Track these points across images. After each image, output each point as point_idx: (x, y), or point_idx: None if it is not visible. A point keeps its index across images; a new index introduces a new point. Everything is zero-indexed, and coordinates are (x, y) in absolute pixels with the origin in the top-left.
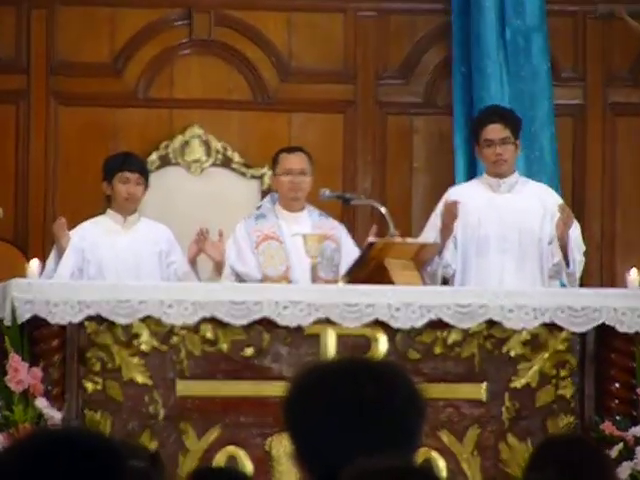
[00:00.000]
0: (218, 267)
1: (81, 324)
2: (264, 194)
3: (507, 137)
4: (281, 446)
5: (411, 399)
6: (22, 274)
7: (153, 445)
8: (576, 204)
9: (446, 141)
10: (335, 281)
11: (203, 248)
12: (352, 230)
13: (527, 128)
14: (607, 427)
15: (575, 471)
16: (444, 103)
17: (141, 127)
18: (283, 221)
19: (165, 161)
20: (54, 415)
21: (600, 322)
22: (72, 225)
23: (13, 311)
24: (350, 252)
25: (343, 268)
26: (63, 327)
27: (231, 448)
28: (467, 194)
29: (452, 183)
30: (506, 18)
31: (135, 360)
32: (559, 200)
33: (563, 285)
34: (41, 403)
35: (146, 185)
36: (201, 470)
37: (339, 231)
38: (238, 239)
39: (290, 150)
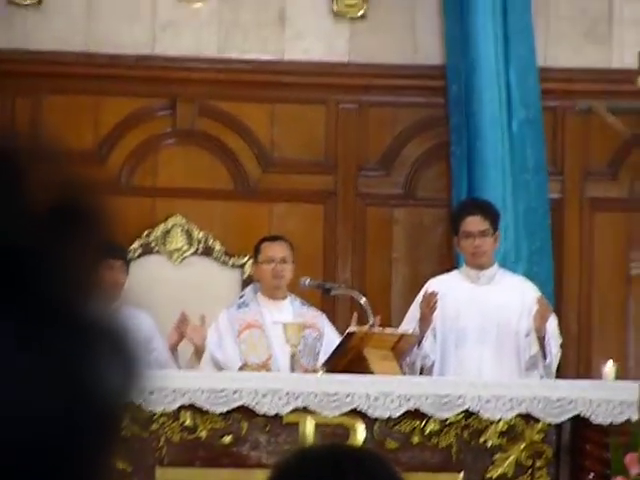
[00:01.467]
0: (198, 352)
1: None
2: (245, 283)
3: (486, 229)
4: None
5: None
6: None
7: None
8: (554, 296)
9: (426, 232)
10: (315, 370)
11: (184, 332)
12: (332, 319)
13: (530, 219)
14: None
15: None
16: (424, 195)
17: (124, 215)
18: (265, 309)
19: (147, 249)
20: None
21: (575, 413)
22: None
23: None
24: (331, 341)
25: (323, 357)
26: None
27: None
28: (447, 285)
29: (432, 274)
30: (512, 109)
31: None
32: (537, 293)
33: (541, 376)
34: None
35: (128, 272)
36: None
37: (321, 320)
38: (220, 327)
39: (272, 239)
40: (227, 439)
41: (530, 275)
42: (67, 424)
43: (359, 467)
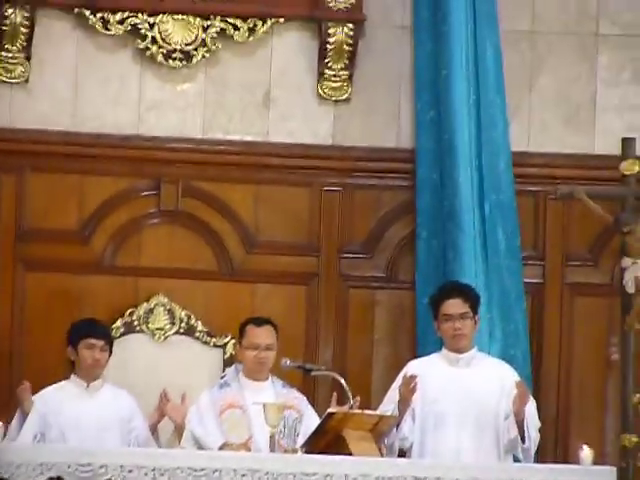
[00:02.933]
0: (178, 430)
1: None
2: (226, 363)
3: (466, 312)
4: None
5: None
6: None
7: None
8: (533, 379)
9: (407, 314)
10: (295, 450)
11: (165, 410)
12: (313, 398)
13: (503, 302)
14: None
15: None
16: (406, 278)
17: (107, 294)
18: (247, 390)
19: (129, 328)
20: None
21: None
22: (36, 389)
23: None
24: (311, 423)
25: (303, 438)
26: None
27: None
28: (426, 368)
29: (412, 356)
30: (485, 192)
31: None
32: (516, 377)
33: (518, 460)
34: None
35: (110, 351)
36: None
37: (301, 401)
38: (201, 407)
39: (258, 323)
40: None
41: (506, 357)
42: None
43: None
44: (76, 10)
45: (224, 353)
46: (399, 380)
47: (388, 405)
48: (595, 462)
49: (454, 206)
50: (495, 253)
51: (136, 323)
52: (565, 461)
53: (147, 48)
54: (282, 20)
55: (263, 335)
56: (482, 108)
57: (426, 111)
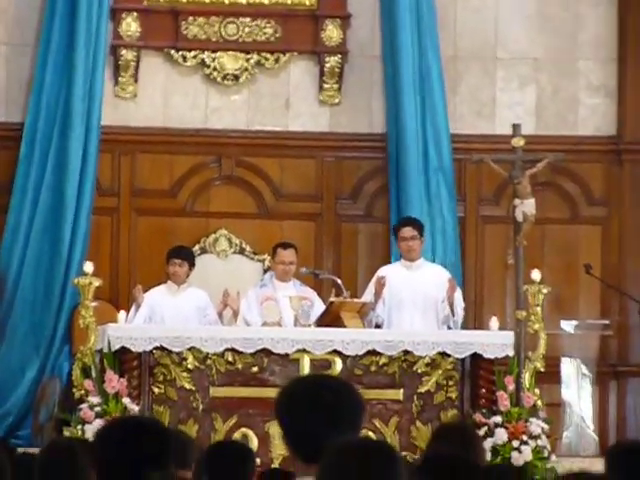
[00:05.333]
0: (235, 315)
1: (151, 351)
2: (265, 272)
3: (415, 235)
4: (276, 429)
5: (355, 401)
6: (114, 320)
7: (195, 428)
8: (460, 277)
9: (379, 238)
10: (309, 325)
11: (226, 302)
12: (319, 293)
13: (443, 230)
14: (477, 417)
15: (460, 442)
16: (378, 215)
17: (189, 229)
18: (277, 288)
19: (203, 250)
20: (134, 408)
21: (474, 351)
22: (145, 289)
23: (109, 343)
24: (319, 308)
25: (314, 317)
26: (140, 353)
27: (244, 429)
28: (391, 271)
29: (381, 264)
30: (429, 161)
31: (184, 374)
32: (448, 275)
33: (450, 328)
34: (126, 401)
35: (191, 266)
36: (218, 443)
37: (313, 295)
38: (249, 299)
39: (284, 247)
40: (254, 369)
41: (447, 264)
42: None
43: (333, 389)
44: (165, 50)
45: (263, 265)
46: (374, 279)
47: (368, 295)
48: (500, 329)
49: (407, 170)
50: (437, 199)
51: (207, 247)
52: (481, 328)
53: (210, 73)
54: (296, 53)
55: (287, 255)
56: (427, 105)
57: (390, 106)
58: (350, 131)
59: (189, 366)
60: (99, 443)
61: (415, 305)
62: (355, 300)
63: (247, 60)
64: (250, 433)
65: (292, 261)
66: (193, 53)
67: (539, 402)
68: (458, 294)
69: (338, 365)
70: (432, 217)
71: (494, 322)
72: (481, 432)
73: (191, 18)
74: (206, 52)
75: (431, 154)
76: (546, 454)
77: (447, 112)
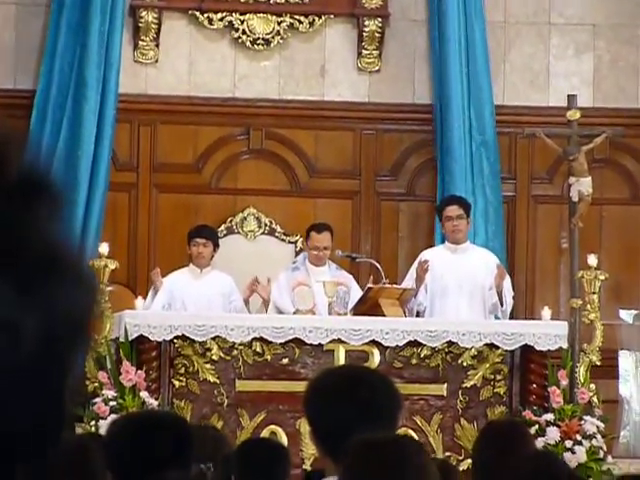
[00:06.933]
0: (265, 303)
1: (171, 341)
2: (297, 254)
3: (461, 214)
4: (307, 426)
5: (391, 395)
6: (132, 307)
7: (220, 424)
8: (508, 262)
9: (422, 219)
10: (345, 314)
11: (256, 290)
12: (357, 278)
13: (487, 210)
14: (527, 414)
15: (508, 442)
16: (421, 193)
17: (214, 207)
18: (311, 272)
19: (230, 231)
20: (152, 402)
21: (524, 343)
22: (165, 273)
23: (126, 332)
24: (356, 294)
25: (351, 305)
26: (159, 343)
27: (272, 426)
28: (435, 255)
29: (424, 247)
30: (472, 134)
31: (208, 366)
32: (496, 260)
33: (498, 318)
34: (144, 394)
35: (215, 247)
36: (251, 440)
37: (349, 280)
38: (280, 284)
39: (319, 230)
40: (285, 361)
41: (489, 248)
42: (48, 335)
43: (369, 383)
44: (190, 12)
45: (295, 247)
46: (416, 263)
47: (409, 281)
48: (553, 319)
49: (451, 144)
50: (480, 176)
51: (234, 227)
52: (532, 318)
53: (239, 37)
54: (332, 16)
55: (322, 240)
56: (471, 75)
57: (435, 78)
58: (391, 101)
59: (213, 357)
60: (109, 440)
61: (460, 292)
62: (395, 286)
63: (279, 23)
64: (279, 430)
65: (327, 246)
66: (220, 15)
67: (594, 399)
68: (507, 282)
69: (376, 357)
70: (475, 197)
71: (546, 312)
72: (531, 431)
73: None
74: (234, 14)
75: (474, 127)
76: (602, 455)
77: (491, 82)
